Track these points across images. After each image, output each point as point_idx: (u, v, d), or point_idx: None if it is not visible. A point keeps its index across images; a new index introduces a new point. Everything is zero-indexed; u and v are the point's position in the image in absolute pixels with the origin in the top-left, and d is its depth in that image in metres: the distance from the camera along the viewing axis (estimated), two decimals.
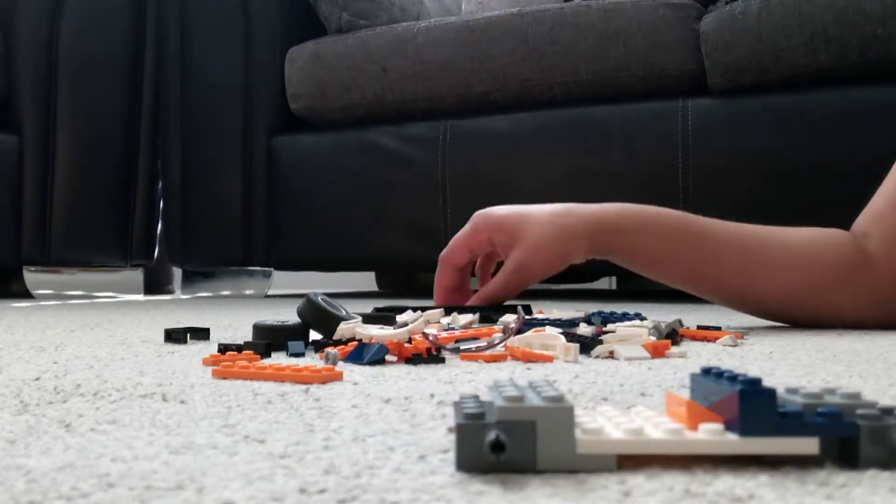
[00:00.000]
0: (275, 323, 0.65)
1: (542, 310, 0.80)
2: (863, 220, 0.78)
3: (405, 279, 2.42)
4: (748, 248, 0.77)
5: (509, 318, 0.68)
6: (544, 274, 0.81)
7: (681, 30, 1.44)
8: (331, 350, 0.53)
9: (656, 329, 0.64)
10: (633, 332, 0.63)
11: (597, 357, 0.58)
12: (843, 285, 0.76)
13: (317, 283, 2.30)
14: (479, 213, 0.84)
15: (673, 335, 0.65)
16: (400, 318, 0.71)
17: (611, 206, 0.80)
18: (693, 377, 0.31)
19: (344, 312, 0.65)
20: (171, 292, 2.16)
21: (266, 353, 0.58)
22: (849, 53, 1.32)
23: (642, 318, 0.69)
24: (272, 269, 1.83)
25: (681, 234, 0.77)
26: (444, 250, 0.85)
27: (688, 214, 0.80)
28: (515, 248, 0.79)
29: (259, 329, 0.64)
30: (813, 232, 0.78)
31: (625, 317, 0.70)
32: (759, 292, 0.78)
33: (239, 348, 0.57)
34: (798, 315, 0.79)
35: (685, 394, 0.32)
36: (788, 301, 0.78)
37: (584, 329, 0.66)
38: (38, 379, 0.49)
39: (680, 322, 0.71)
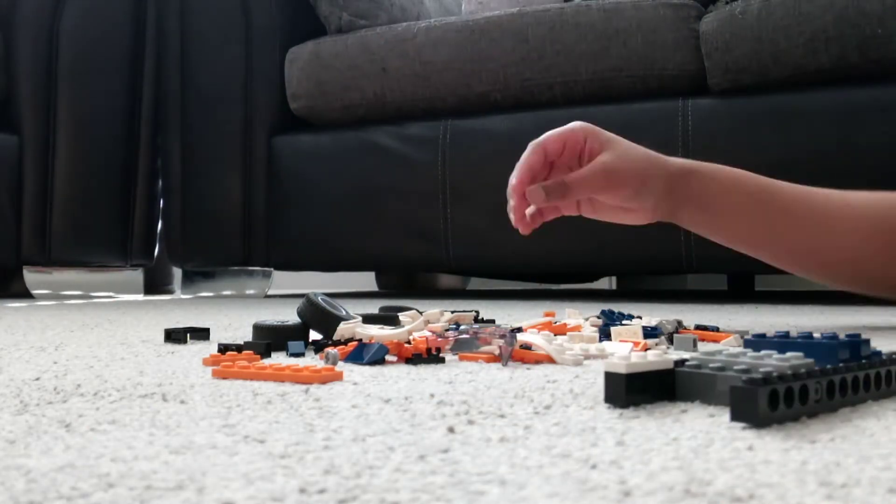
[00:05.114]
0: (275, 323, 0.65)
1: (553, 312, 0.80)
2: None
3: (405, 279, 2.42)
4: (815, 208, 0.76)
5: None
6: (622, 185, 0.78)
7: (681, 30, 1.44)
8: (331, 350, 0.53)
9: (662, 328, 0.65)
10: (629, 330, 0.63)
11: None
12: None
13: (317, 283, 2.30)
14: (578, 122, 0.84)
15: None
16: (403, 317, 0.71)
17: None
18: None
19: (344, 312, 0.65)
20: (171, 292, 2.16)
21: (266, 353, 0.58)
22: (849, 53, 1.32)
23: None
24: (272, 269, 1.83)
25: (751, 184, 0.79)
26: (538, 138, 0.84)
27: (757, 176, 0.81)
28: (605, 153, 0.78)
29: (259, 329, 0.64)
30: (878, 195, 0.76)
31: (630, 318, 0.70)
32: (827, 255, 0.77)
33: (239, 348, 0.57)
34: (864, 281, 0.78)
35: None
36: (856, 267, 0.77)
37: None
38: (38, 379, 0.49)
39: (680, 322, 0.71)
